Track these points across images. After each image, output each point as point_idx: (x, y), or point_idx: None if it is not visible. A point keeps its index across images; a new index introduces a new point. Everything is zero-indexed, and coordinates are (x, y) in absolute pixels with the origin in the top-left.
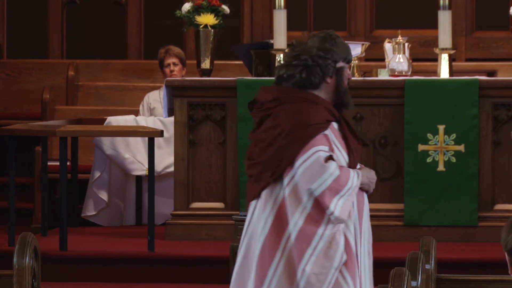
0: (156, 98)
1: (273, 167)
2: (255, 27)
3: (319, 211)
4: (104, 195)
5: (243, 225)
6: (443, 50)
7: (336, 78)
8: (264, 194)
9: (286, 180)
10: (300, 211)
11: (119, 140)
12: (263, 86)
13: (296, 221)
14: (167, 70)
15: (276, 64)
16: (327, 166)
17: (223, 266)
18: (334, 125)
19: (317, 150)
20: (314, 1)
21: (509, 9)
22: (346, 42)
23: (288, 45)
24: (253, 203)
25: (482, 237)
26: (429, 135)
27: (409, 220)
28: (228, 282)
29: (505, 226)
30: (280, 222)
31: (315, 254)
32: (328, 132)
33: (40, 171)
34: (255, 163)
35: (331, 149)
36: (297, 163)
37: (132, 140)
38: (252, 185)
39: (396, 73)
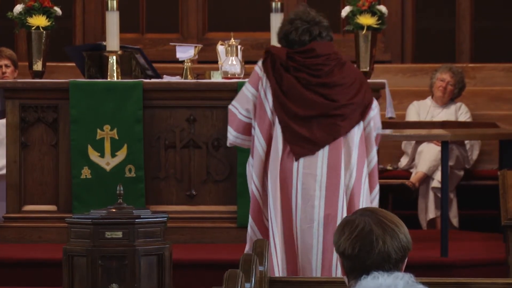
0: None
1: (362, 107)
2: (87, 29)
3: None
4: None
5: (76, 227)
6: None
7: None
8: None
9: (368, 118)
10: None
11: None
12: (315, 42)
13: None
14: None
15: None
16: None
17: (56, 268)
18: None
19: None
20: (146, 3)
21: (340, 12)
22: (177, 44)
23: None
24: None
25: None
26: None
27: (242, 222)
28: (61, 285)
29: (337, 228)
30: (364, 152)
31: None
32: None
33: None
34: (345, 104)
35: None
36: (374, 105)
37: None
38: (341, 123)
39: (229, 75)
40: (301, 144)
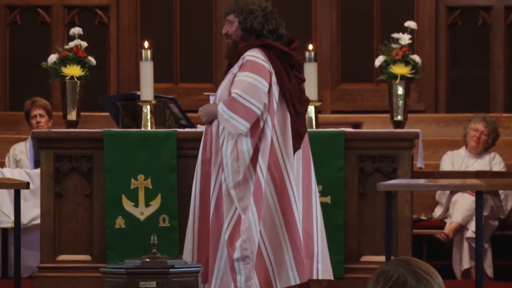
0: (22, 150)
1: None
2: (121, 79)
3: None
4: None
5: (110, 277)
6: (310, 102)
7: None
8: None
9: None
10: None
11: None
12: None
13: None
14: (33, 121)
15: None
16: None
17: None
18: None
19: None
20: (180, 53)
21: (373, 61)
22: (211, 94)
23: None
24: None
25: None
26: None
27: None
28: None
29: (371, 278)
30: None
31: None
32: None
33: None
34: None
35: None
36: None
37: None
38: (304, 119)
39: None
40: (297, 140)
